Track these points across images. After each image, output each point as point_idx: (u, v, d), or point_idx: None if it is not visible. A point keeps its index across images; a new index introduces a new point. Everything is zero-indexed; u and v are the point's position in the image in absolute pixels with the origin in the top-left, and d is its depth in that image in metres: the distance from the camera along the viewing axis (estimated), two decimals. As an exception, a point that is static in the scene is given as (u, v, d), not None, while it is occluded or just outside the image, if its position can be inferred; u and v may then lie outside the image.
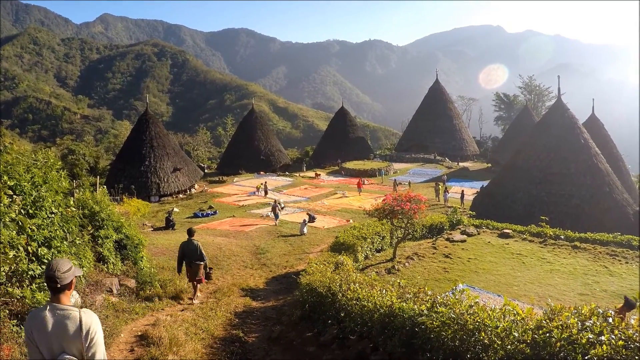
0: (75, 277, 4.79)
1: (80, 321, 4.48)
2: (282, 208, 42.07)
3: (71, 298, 5.31)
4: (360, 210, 38.96)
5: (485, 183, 47.38)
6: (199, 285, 15.27)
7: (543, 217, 27.46)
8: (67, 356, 4.44)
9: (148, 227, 35.57)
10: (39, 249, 8.80)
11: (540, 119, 46.64)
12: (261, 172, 72.07)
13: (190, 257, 14.89)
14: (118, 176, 53.91)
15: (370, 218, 23.69)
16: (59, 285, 4.52)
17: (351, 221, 35.26)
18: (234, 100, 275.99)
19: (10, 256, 7.74)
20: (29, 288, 8.08)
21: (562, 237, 23.93)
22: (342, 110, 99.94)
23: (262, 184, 53.67)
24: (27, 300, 7.81)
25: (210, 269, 17.72)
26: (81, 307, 4.73)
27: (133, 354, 9.22)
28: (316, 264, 15.28)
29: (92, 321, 4.58)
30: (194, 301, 14.68)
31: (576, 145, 37.77)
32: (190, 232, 15.39)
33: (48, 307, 4.52)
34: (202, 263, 14.97)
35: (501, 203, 38.56)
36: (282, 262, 23.97)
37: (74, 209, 11.51)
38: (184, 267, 15.23)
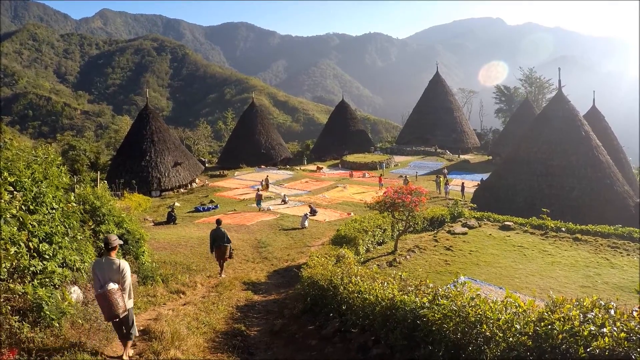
0: (118, 244, 8.59)
1: (119, 264, 8.28)
2: (286, 202, 42.13)
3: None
4: (362, 203, 38.97)
5: (486, 176, 47.38)
6: (224, 263, 19.60)
7: (544, 210, 27.46)
8: (112, 282, 8.09)
9: (149, 221, 35.62)
10: (40, 245, 8.81)
11: (541, 111, 46.56)
12: (262, 166, 72.00)
13: (218, 241, 19.20)
14: (119, 171, 53.90)
15: (372, 211, 23.70)
16: (110, 247, 8.34)
17: (352, 214, 35.26)
18: (234, 95, 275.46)
19: (11, 252, 7.74)
20: (30, 284, 8.11)
21: (564, 229, 23.93)
22: (343, 103, 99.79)
23: (263, 179, 53.69)
24: (29, 297, 7.83)
25: (232, 250, 20.54)
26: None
27: (135, 348, 9.23)
28: (318, 257, 15.29)
29: (125, 265, 8.40)
30: (222, 275, 18.95)
31: (577, 138, 37.74)
32: (219, 222, 20.03)
33: (104, 258, 8.31)
34: (228, 245, 19.39)
35: (502, 195, 38.54)
36: (284, 255, 24.01)
37: (74, 205, 11.50)
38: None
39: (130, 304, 8.49)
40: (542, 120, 40.93)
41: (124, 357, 8.46)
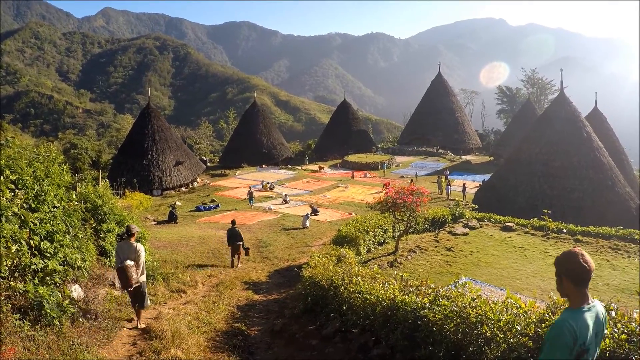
0: (137, 231, 11.30)
1: (136, 247, 10.69)
2: (287, 201, 42.17)
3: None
4: (363, 203, 38.98)
5: (488, 176, 47.34)
6: (240, 257, 22.55)
7: (545, 211, 27.43)
8: (128, 260, 10.37)
9: (151, 220, 35.65)
10: (42, 243, 8.82)
11: (543, 112, 46.51)
12: (263, 166, 72.07)
13: (233, 239, 22.19)
14: (120, 170, 53.95)
15: (373, 211, 23.70)
16: (130, 233, 10.76)
17: (353, 214, 35.28)
18: (236, 94, 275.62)
19: (12, 250, 7.75)
20: (31, 282, 8.11)
21: (565, 230, 23.93)
22: (344, 103, 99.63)
23: (262, 181, 53.73)
24: (29, 295, 7.83)
25: (248, 248, 23.84)
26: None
27: (136, 347, 9.26)
28: (318, 257, 15.29)
29: (140, 247, 10.84)
30: (238, 265, 21.95)
31: (579, 139, 37.70)
32: (233, 222, 23.31)
33: (124, 242, 10.79)
34: (240, 243, 22.45)
35: (503, 196, 38.51)
36: (285, 255, 24.04)
37: (76, 203, 11.53)
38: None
39: (142, 278, 10.89)
40: (544, 121, 40.88)
41: (139, 325, 10.63)
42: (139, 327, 10.50)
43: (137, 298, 10.77)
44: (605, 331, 4.76)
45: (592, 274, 4.25)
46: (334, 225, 31.18)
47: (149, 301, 11.41)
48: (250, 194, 42.56)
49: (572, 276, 4.33)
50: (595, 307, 4.24)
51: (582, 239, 22.54)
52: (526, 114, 74.64)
